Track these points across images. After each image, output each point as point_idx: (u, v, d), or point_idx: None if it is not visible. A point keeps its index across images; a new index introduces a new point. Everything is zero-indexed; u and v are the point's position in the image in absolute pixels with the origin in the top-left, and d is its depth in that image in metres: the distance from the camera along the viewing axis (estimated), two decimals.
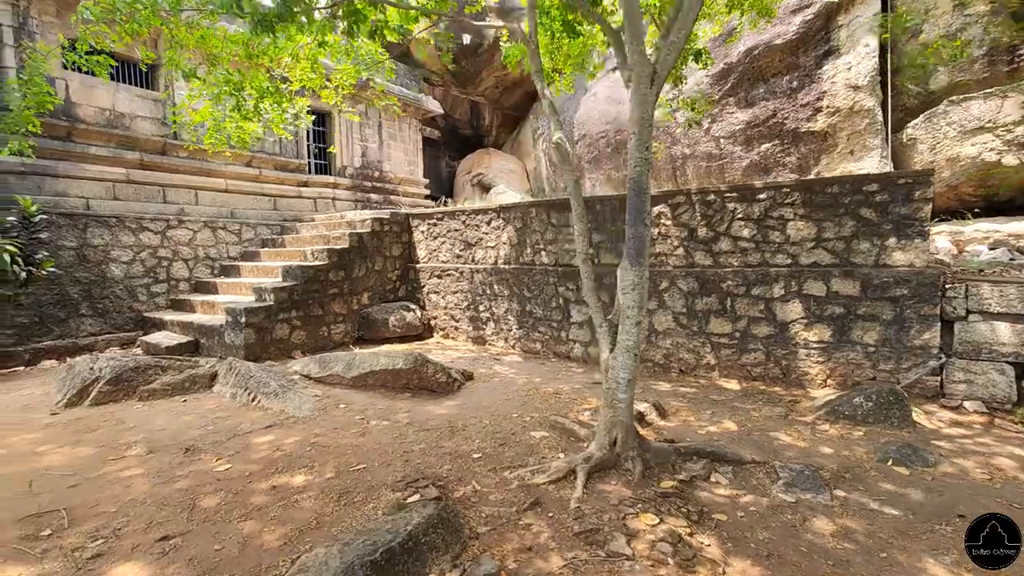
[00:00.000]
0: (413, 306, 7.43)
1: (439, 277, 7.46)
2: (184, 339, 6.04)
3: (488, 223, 6.95)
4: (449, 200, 10.98)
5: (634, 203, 3.05)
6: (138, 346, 6.61)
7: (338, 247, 6.68)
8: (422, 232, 7.70)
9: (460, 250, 7.25)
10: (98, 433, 3.82)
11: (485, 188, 15.03)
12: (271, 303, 5.86)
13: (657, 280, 5.57)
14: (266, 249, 8.00)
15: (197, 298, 6.94)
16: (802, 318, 4.83)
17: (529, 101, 15.35)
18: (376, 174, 11.70)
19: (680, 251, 5.47)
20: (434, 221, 7.53)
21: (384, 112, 11.71)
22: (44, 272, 5.44)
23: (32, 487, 2.91)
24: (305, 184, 9.96)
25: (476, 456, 3.42)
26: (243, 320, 5.58)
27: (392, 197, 12.10)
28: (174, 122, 6.26)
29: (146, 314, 6.89)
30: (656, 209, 5.59)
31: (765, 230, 5.02)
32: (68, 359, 6.06)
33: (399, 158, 12.55)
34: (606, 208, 5.93)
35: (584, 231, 3.44)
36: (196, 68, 5.12)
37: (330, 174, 10.71)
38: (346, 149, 10.98)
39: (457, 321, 7.28)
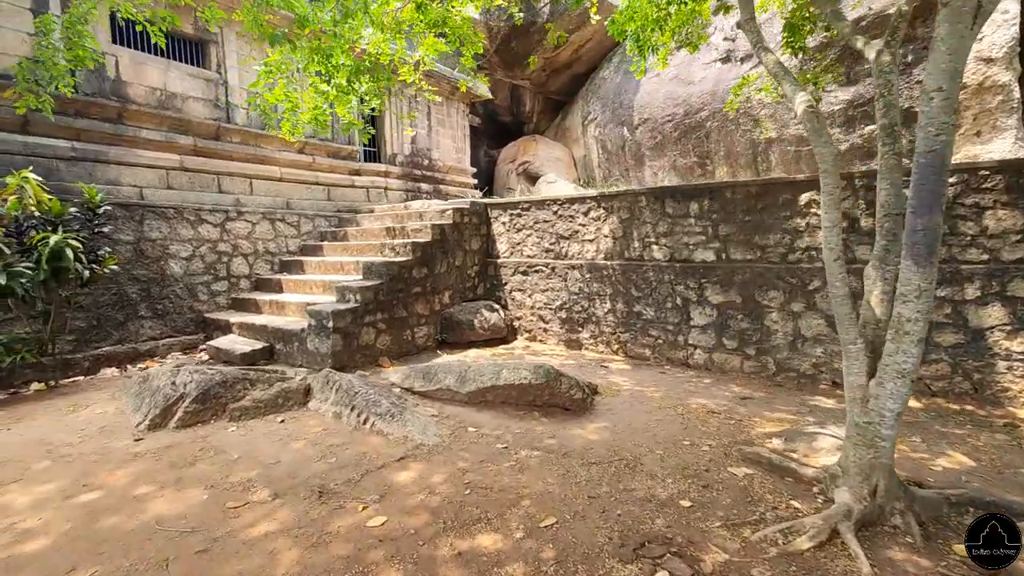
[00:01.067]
0: (496, 306, 6.73)
1: (524, 274, 6.75)
2: (257, 345, 5.37)
3: (585, 214, 6.22)
4: (490, 191, 10.25)
5: (929, 184, 2.29)
6: (202, 351, 5.96)
7: (421, 240, 5.98)
8: (503, 224, 6.97)
9: (550, 244, 6.53)
10: (200, 468, 3.16)
11: (531, 178, 14.27)
12: (356, 304, 5.18)
13: (804, 278, 4.81)
14: (328, 243, 7.32)
15: (262, 297, 6.28)
16: (1004, 324, 4.07)
17: (576, 85, 14.55)
18: (425, 162, 10.98)
19: None
20: (518, 212, 6.80)
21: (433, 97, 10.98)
22: (107, 271, 4.78)
23: (169, 569, 2.23)
24: (357, 173, 9.25)
25: (686, 505, 2.72)
26: (330, 324, 4.90)
27: (441, 187, 11.39)
28: (250, 104, 5.55)
29: (208, 315, 6.25)
30: (805, 197, 4.82)
31: (953, 220, 4.25)
32: (129, 367, 5.43)
33: (447, 145, 11.82)
34: (737, 195, 5.18)
35: (836, 220, 2.69)
36: (274, 35, 4.40)
37: (380, 162, 10.00)
38: (396, 136, 10.26)
39: (547, 322, 6.57)
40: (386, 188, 9.88)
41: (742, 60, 9.92)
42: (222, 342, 5.57)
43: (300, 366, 5.18)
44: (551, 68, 13.85)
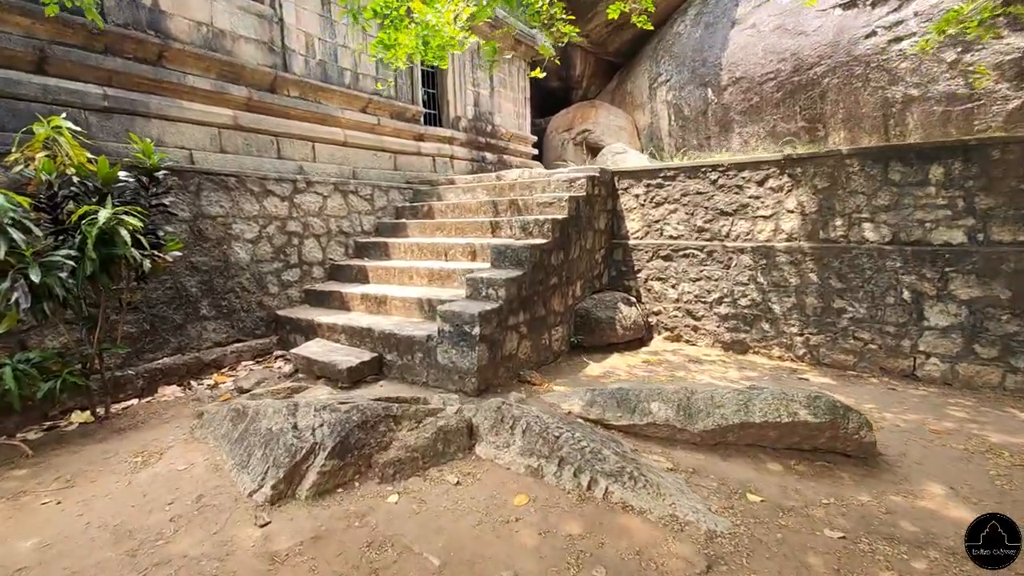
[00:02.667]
0: (632, 299, 5.45)
1: (666, 259, 5.44)
2: (364, 355, 4.09)
3: (760, 183, 4.89)
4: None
5: None
6: (278, 359, 4.68)
7: (559, 217, 4.64)
8: (636, 197, 5.64)
9: (705, 221, 5.21)
10: None
11: (592, 149, 12.83)
12: (501, 303, 3.88)
13: None
14: (411, 221, 5.98)
15: (347, 290, 4.97)
16: None
17: (638, 43, 13.03)
18: (488, 128, 9.56)
19: None
20: (658, 181, 5.46)
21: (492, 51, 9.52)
22: (169, 258, 3.45)
23: None
24: (421, 138, 7.85)
25: None
26: (476, 331, 3.61)
27: (504, 157, 10.01)
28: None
29: (280, 312, 4.94)
30: None
31: None
32: (192, 383, 4.14)
33: (508, 110, 10.39)
34: (1010, 155, 3.86)
35: None
36: None
37: (443, 126, 8.57)
38: (459, 96, 8.81)
39: (697, 319, 5.30)
40: (452, 157, 8.49)
41: (872, 4, 8.46)
42: (310, 349, 4.27)
43: (424, 384, 3.90)
44: (615, 24, 12.30)
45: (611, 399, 3.37)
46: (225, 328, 4.56)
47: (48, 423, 3.38)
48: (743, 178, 4.97)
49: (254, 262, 4.84)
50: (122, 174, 3.32)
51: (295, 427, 2.71)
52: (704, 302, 5.24)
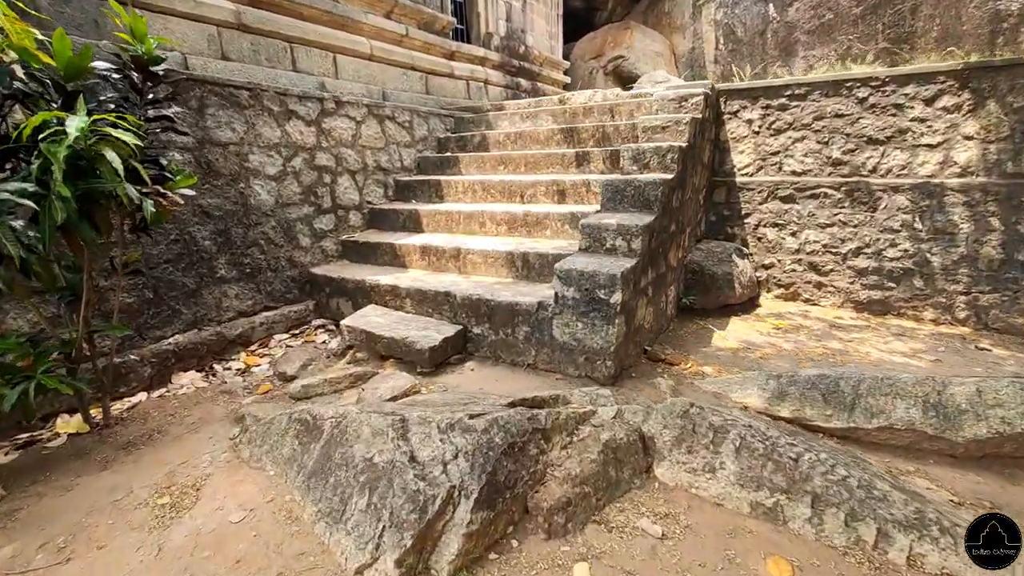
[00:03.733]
0: (745, 250, 4.48)
1: (785, 200, 4.42)
2: (441, 328, 3.09)
3: (930, 100, 3.82)
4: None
5: None
6: (320, 330, 3.67)
7: (681, 144, 3.55)
8: (748, 123, 4.53)
9: (844, 151, 4.16)
10: None
11: (625, 78, 11.41)
12: (636, 257, 2.86)
13: None
14: (463, 154, 4.83)
15: (401, 241, 3.90)
16: None
17: None
18: (521, 49, 8.15)
19: None
20: (782, 102, 4.35)
21: None
22: (180, 199, 2.34)
23: None
24: (452, 56, 6.51)
25: None
26: (616, 297, 2.61)
27: (537, 84, 8.68)
28: None
29: (316, 270, 3.88)
30: None
31: None
32: (216, 367, 3.14)
33: (541, 28, 8.92)
34: None
35: None
36: None
37: (473, 43, 7.19)
38: (491, 9, 7.37)
39: (823, 274, 4.36)
40: (486, 82, 7.18)
41: None
42: (368, 320, 3.26)
43: (531, 367, 2.95)
44: None
45: (811, 390, 2.46)
46: (250, 292, 3.50)
47: (24, 436, 2.38)
48: (905, 95, 3.90)
49: (279, 206, 3.71)
50: (99, 64, 2.14)
51: (413, 459, 1.75)
52: (835, 253, 4.29)
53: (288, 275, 3.77)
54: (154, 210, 2.12)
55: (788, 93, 4.31)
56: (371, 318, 3.30)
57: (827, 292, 4.38)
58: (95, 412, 2.52)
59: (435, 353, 2.91)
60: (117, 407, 2.65)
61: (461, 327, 3.11)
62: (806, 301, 4.48)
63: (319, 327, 3.74)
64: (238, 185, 3.44)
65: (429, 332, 3.03)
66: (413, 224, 4.23)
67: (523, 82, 8.18)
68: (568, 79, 9.77)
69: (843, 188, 4.19)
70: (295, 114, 3.84)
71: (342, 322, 3.29)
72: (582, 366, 2.79)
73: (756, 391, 2.59)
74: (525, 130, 4.78)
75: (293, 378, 2.99)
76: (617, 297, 2.62)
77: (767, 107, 4.42)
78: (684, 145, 3.55)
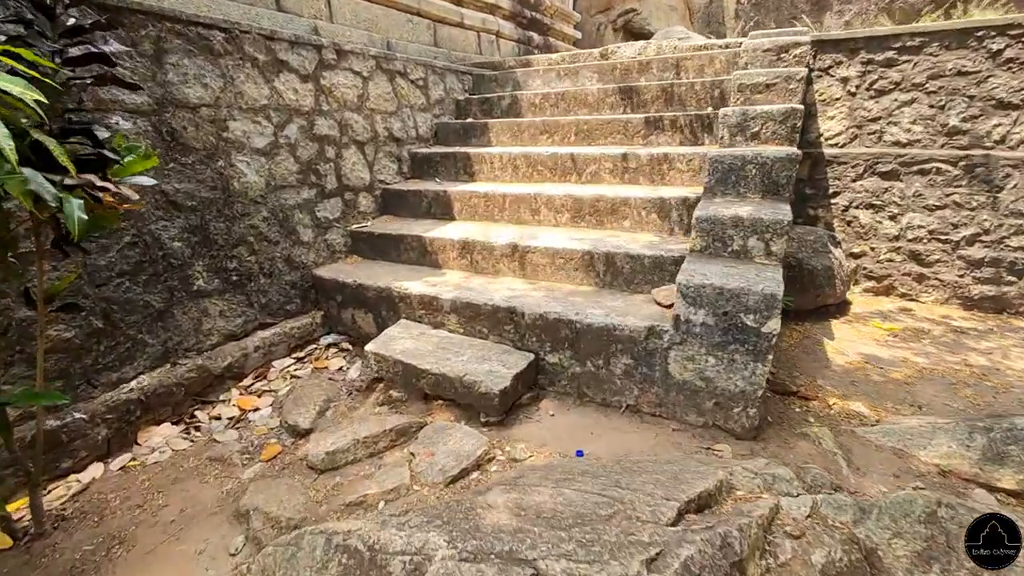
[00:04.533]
0: (834, 235, 3.77)
1: (886, 176, 3.70)
2: (506, 357, 2.31)
3: None
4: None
5: None
6: (332, 349, 2.85)
7: (798, 107, 2.75)
8: (842, 82, 3.74)
9: (964, 117, 3.43)
10: None
11: (635, 34, 10.40)
12: (775, 262, 2.11)
13: None
14: (492, 121, 3.93)
15: (432, 233, 3.05)
16: None
17: None
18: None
19: None
20: (889, 56, 3.56)
21: None
22: (134, 194, 1.46)
23: None
24: (461, 2, 5.51)
25: None
26: (770, 326, 1.86)
27: (550, 39, 7.70)
28: None
29: (321, 272, 3.02)
30: None
31: None
32: (198, 414, 2.32)
33: None
34: None
35: None
36: None
37: None
38: None
39: (926, 265, 3.70)
40: (498, 34, 6.21)
41: None
42: (402, 345, 2.46)
43: (633, 410, 2.21)
44: None
45: None
46: (239, 307, 2.64)
47: None
48: None
49: (272, 189, 2.81)
50: None
51: None
52: (943, 240, 3.61)
53: (287, 280, 2.90)
54: (85, 216, 1.26)
55: (897, 45, 3.52)
56: (404, 342, 2.49)
57: (929, 286, 3.73)
58: (17, 509, 1.70)
59: (506, 397, 2.14)
60: (57, 494, 1.82)
61: (532, 356, 2.34)
62: (902, 296, 3.82)
63: (331, 346, 2.92)
64: (216, 163, 2.52)
65: (491, 365, 2.25)
66: (441, 209, 3.37)
67: (535, 36, 7.19)
68: (579, 34, 8.76)
69: (961, 163, 3.47)
70: (286, 66, 2.89)
71: (368, 348, 2.47)
72: (710, 413, 2.06)
73: (954, 447, 1.91)
74: (567, 90, 3.89)
75: (308, 432, 2.19)
76: (773, 325, 1.87)
77: (868, 62, 3.63)
78: (802, 108, 2.76)
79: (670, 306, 2.23)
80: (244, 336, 2.65)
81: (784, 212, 2.17)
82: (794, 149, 2.46)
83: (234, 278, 2.61)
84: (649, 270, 2.40)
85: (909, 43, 3.47)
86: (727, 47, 4.01)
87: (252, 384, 2.55)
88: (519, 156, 3.41)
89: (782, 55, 3.22)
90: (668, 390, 2.12)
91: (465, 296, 2.52)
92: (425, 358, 2.33)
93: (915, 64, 3.50)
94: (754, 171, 2.41)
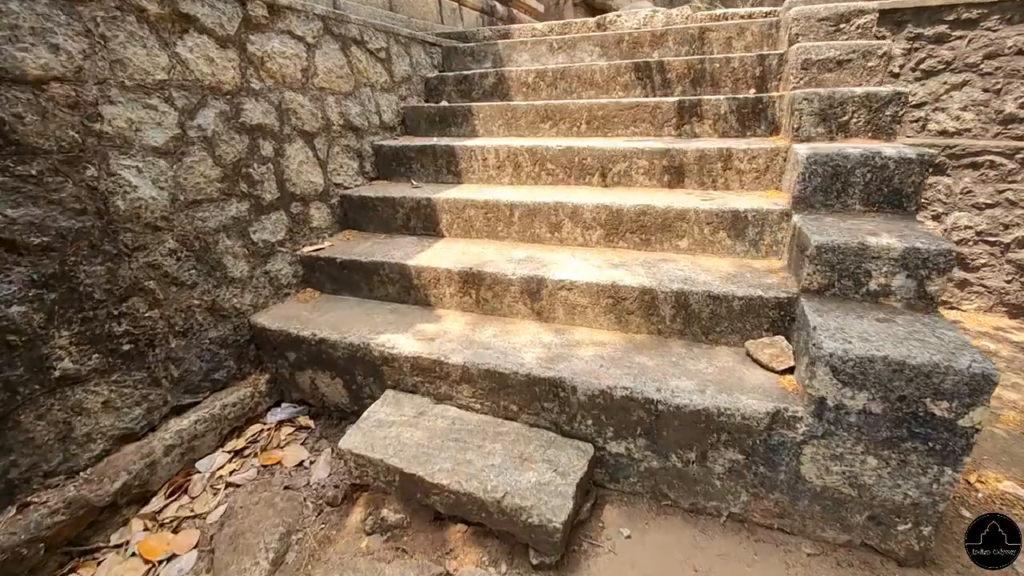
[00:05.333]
0: None
1: (931, 169, 3.26)
2: (559, 455, 1.60)
3: None
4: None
5: None
6: (286, 427, 2.02)
7: (896, 91, 2.17)
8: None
9: (1020, 104, 3.02)
10: None
11: (597, 8, 9.69)
12: (934, 313, 1.51)
13: None
14: (475, 104, 3.11)
15: (415, 260, 2.25)
16: None
17: None
18: None
19: None
20: (941, 30, 3.07)
21: None
22: None
23: None
24: None
25: None
26: (974, 416, 1.26)
27: (512, 10, 6.89)
28: None
29: (260, 319, 2.15)
30: None
31: None
32: (82, 573, 1.43)
33: None
34: None
35: None
36: None
37: None
38: None
39: (971, 269, 3.32)
40: (461, 1, 5.32)
41: None
42: (386, 433, 1.69)
43: (739, 520, 1.56)
44: None
45: None
46: (139, 389, 1.75)
47: None
48: None
49: (180, 207, 1.90)
50: None
51: None
52: (992, 243, 3.22)
53: (212, 337, 2.02)
54: None
55: (951, 18, 3.04)
56: (397, 431, 1.71)
57: (972, 292, 3.35)
58: None
59: (567, 527, 1.43)
60: None
61: (590, 448, 1.63)
62: (941, 304, 3.43)
63: (284, 424, 2.08)
64: (83, 172, 1.60)
65: (537, 471, 1.52)
66: (424, 224, 2.56)
67: (498, 6, 6.34)
68: (542, 7, 7.96)
69: (1018, 155, 3.06)
70: (194, 23, 1.96)
71: (343, 445, 1.67)
72: (859, 529, 1.45)
73: None
74: (567, 67, 3.15)
75: None
76: (977, 417, 1.27)
77: (916, 38, 3.14)
78: (907, 93, 2.16)
79: (784, 372, 1.58)
80: (149, 432, 1.77)
81: (936, 239, 1.56)
82: (923, 148, 1.86)
83: (125, 347, 1.72)
84: (739, 315, 1.74)
85: (965, 15, 2.99)
86: (751, 16, 3.40)
87: (165, 507, 1.69)
88: (521, 151, 2.64)
89: (841, 25, 2.62)
90: (797, 498, 1.48)
91: (483, 360, 1.76)
92: (433, 460, 1.57)
93: (970, 40, 3.02)
94: (868, 176, 1.80)
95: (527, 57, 3.58)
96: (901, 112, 2.04)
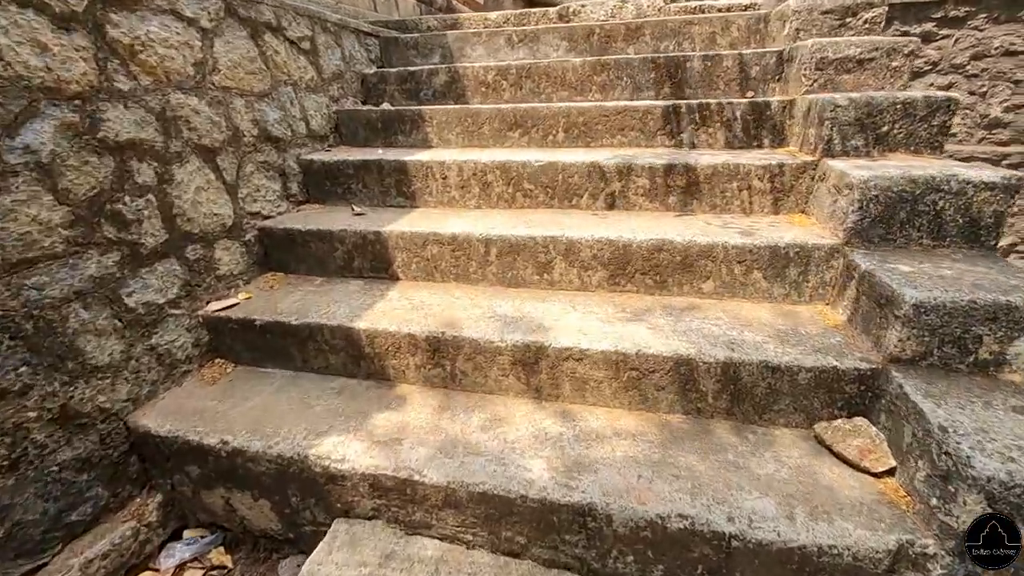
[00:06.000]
0: None
1: None
2: None
3: None
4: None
5: None
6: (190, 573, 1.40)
7: (946, 96, 1.86)
8: None
9: (1005, 107, 2.88)
10: None
11: (539, 3, 9.25)
12: None
13: None
14: (427, 107, 2.56)
15: (358, 319, 1.68)
16: None
17: None
18: None
19: None
20: (927, 28, 2.87)
21: None
22: None
23: None
24: None
25: None
26: None
27: (452, 1, 6.33)
28: None
29: (143, 420, 1.50)
30: None
31: None
32: None
33: None
34: None
35: None
36: None
37: None
38: None
39: None
40: None
41: None
42: None
43: None
44: None
45: None
46: None
47: None
48: None
49: (2, 270, 1.25)
50: None
51: None
52: None
53: (64, 462, 1.37)
54: None
55: (939, 15, 2.84)
56: None
57: None
58: None
59: None
60: None
61: None
62: None
63: (190, 565, 1.47)
64: None
65: None
66: (373, 264, 2.00)
67: None
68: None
69: (1004, 163, 2.93)
70: None
71: None
72: None
73: None
74: (532, 64, 2.67)
75: None
76: None
77: (903, 35, 2.92)
78: (958, 99, 1.86)
79: (881, 475, 1.20)
80: None
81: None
82: (1007, 171, 1.54)
83: None
84: (805, 391, 1.35)
85: (953, 12, 2.79)
86: (729, 9, 3.07)
87: None
88: (491, 167, 2.14)
89: (847, 19, 2.32)
90: None
91: (473, 478, 1.25)
92: None
93: (956, 40, 2.83)
94: (940, 205, 1.45)
95: (482, 51, 3.07)
96: (950, 122, 1.73)
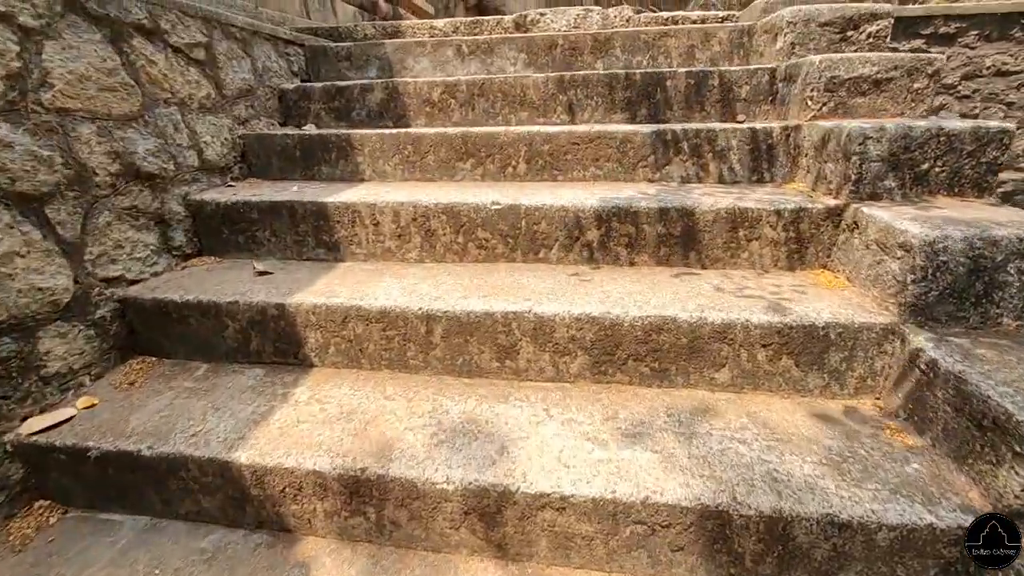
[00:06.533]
0: None
1: None
2: None
3: None
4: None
5: None
6: None
7: (1003, 127, 1.54)
8: None
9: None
10: None
11: (488, 13, 8.90)
12: None
13: None
14: (358, 131, 2.08)
15: (247, 453, 1.18)
16: None
17: None
18: None
19: None
20: (918, 44, 2.62)
21: None
22: None
23: None
24: None
25: None
26: None
27: (399, 8, 5.90)
28: None
29: None
30: None
31: None
32: None
33: None
34: None
35: None
36: None
37: None
38: None
39: None
40: None
41: None
42: None
43: None
44: None
45: None
46: None
47: None
48: None
49: None
50: None
51: None
52: None
53: None
54: None
55: (928, 31, 2.60)
56: None
57: None
58: None
59: None
60: None
61: None
62: None
63: None
64: None
65: None
66: (276, 346, 1.49)
67: (382, 3, 5.29)
68: (432, 8, 7.00)
69: (1000, 189, 2.71)
70: None
71: None
72: None
73: None
74: (486, 79, 2.23)
75: None
76: None
77: (891, 52, 2.67)
78: (1013, 129, 1.53)
79: None
80: None
81: None
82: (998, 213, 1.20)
83: None
84: (886, 555, 0.94)
85: (943, 29, 2.55)
86: (704, 21, 2.74)
87: None
88: (435, 211, 1.67)
89: (848, 33, 2.00)
90: None
91: None
92: None
93: (948, 59, 2.59)
94: (1007, 280, 1.10)
95: (427, 64, 2.61)
96: (1002, 158, 1.40)
